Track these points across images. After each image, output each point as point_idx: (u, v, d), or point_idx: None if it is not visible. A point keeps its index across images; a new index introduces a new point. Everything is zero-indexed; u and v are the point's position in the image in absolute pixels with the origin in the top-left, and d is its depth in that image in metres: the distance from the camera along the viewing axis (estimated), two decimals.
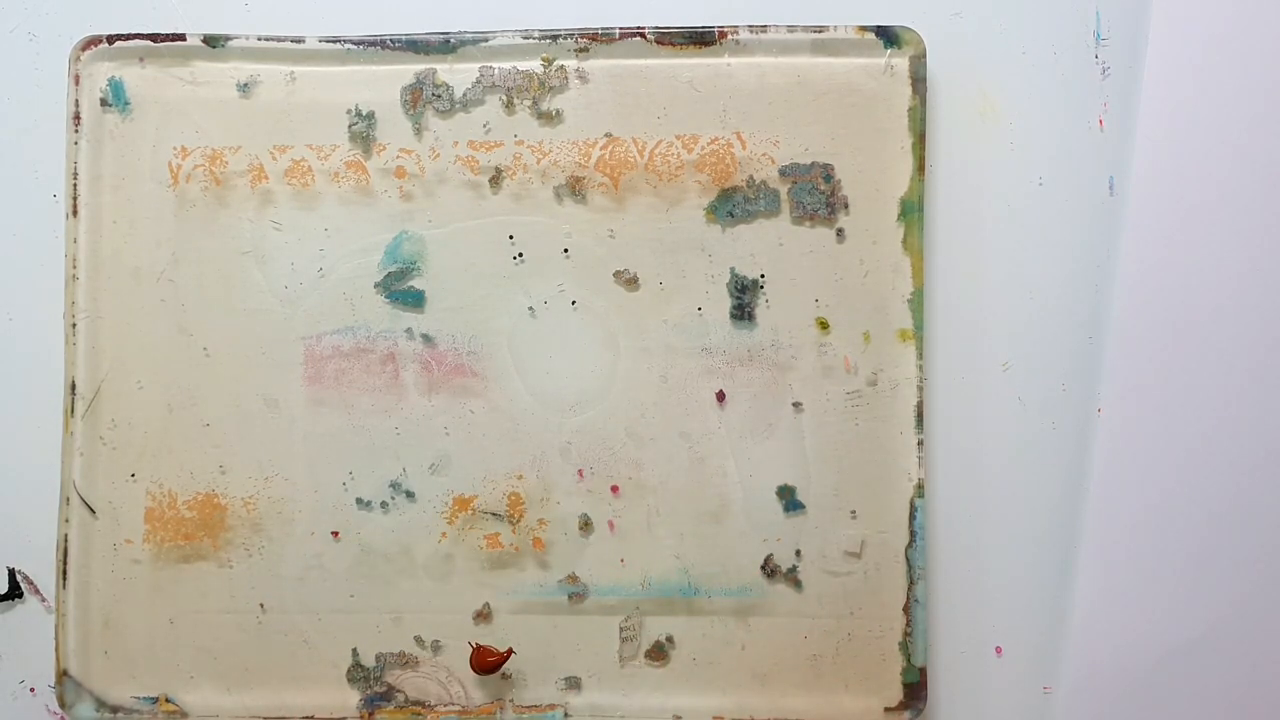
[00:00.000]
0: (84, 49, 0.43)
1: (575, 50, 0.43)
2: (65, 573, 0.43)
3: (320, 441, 0.44)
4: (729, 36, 0.43)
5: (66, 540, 0.43)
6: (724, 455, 0.43)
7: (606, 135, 0.44)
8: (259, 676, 0.44)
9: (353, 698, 0.44)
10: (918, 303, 0.43)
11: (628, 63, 0.43)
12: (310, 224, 0.44)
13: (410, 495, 0.44)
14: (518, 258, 0.44)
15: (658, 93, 0.44)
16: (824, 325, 0.43)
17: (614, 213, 0.44)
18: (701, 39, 0.43)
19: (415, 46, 0.43)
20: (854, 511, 0.43)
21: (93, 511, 0.43)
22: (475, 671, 0.43)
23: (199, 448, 0.44)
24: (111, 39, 0.43)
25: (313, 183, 0.44)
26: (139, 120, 0.44)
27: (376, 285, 0.44)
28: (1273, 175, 0.43)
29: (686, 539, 0.43)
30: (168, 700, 0.43)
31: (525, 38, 0.43)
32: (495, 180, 0.44)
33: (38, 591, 0.45)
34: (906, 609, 0.43)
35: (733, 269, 0.44)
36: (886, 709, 0.43)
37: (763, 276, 0.43)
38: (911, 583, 0.43)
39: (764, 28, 0.43)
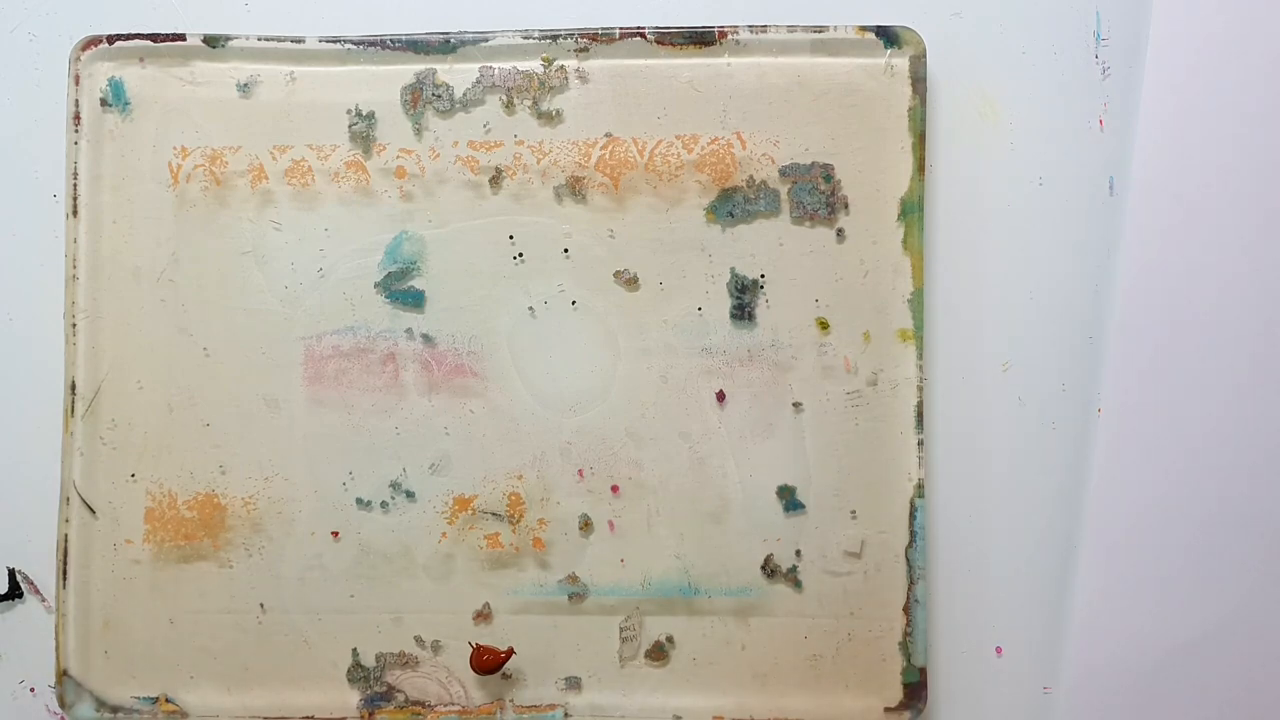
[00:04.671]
0: (84, 49, 0.43)
1: (575, 50, 0.43)
2: (65, 573, 0.43)
3: (320, 441, 0.44)
4: (729, 36, 0.43)
5: (66, 540, 0.43)
6: (724, 455, 0.43)
7: (606, 135, 0.44)
8: (259, 676, 0.44)
9: (353, 698, 0.44)
10: (918, 303, 0.43)
11: (628, 63, 0.43)
12: (310, 224, 0.44)
13: (410, 495, 0.44)
14: (518, 258, 0.44)
15: (658, 93, 0.44)
16: (824, 325, 0.43)
17: (614, 213, 0.44)
18: (701, 39, 0.43)
19: (415, 46, 0.43)
20: (854, 511, 0.43)
21: (93, 511, 0.43)
22: (475, 671, 0.43)
23: (199, 448, 0.44)
24: (111, 39, 0.43)
25: (313, 183, 0.44)
26: (139, 120, 0.44)
27: (376, 285, 0.44)
28: (1273, 175, 0.43)
29: (686, 539, 0.43)
30: (168, 700, 0.43)
31: (525, 38, 0.43)
32: (495, 180, 0.44)
33: (38, 591, 0.45)
34: (906, 609, 0.43)
35: (733, 269, 0.44)
36: (886, 709, 0.43)
37: (763, 276, 0.43)
38: (911, 583, 0.43)
39: (764, 28, 0.43)
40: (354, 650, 0.44)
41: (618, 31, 0.43)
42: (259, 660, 0.44)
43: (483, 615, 0.44)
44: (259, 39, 0.44)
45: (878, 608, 0.43)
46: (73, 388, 0.43)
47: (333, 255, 0.44)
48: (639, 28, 0.43)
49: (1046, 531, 0.44)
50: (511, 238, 0.44)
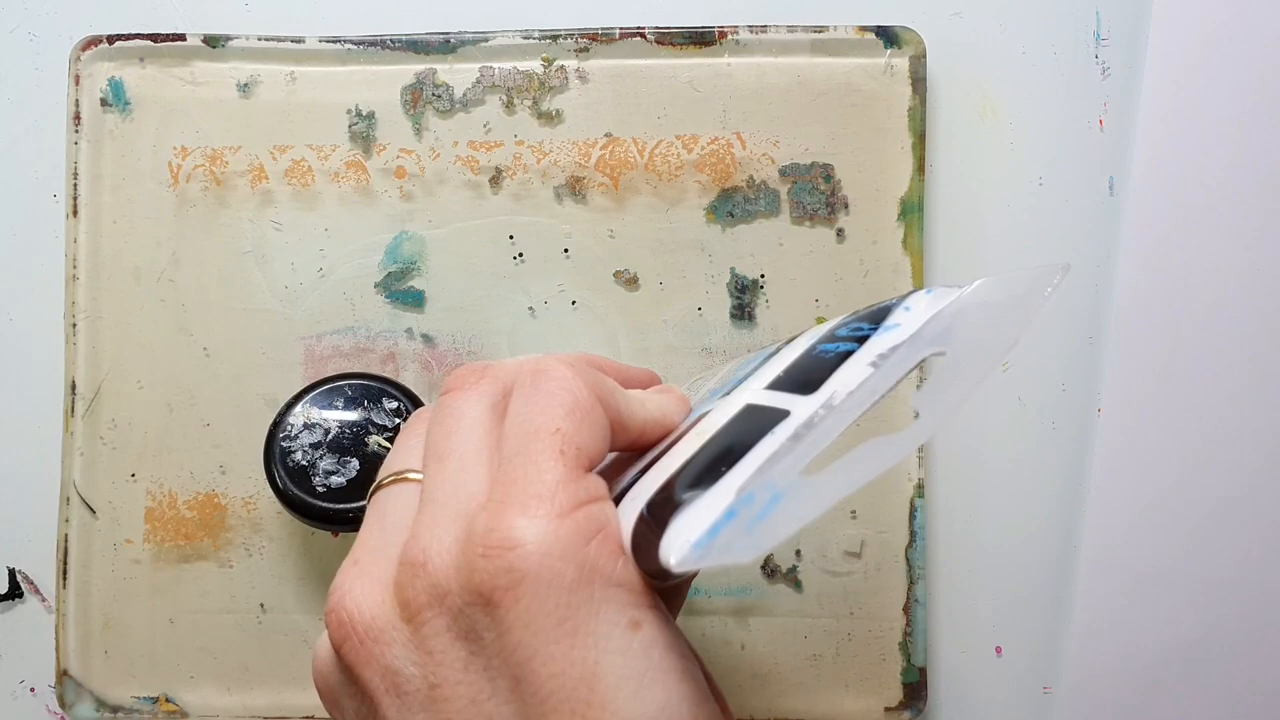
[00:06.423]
0: (84, 49, 0.43)
1: (575, 50, 0.43)
2: (65, 573, 0.43)
3: None
4: (729, 36, 0.43)
5: (66, 540, 0.43)
6: None
7: (606, 135, 0.44)
8: (259, 676, 0.44)
9: None
10: None
11: (628, 63, 0.43)
12: (310, 224, 0.44)
13: None
14: (518, 258, 0.44)
15: (658, 93, 0.44)
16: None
17: (614, 213, 0.44)
18: (701, 39, 0.43)
19: (415, 46, 0.43)
20: (854, 511, 0.43)
21: (93, 511, 0.43)
22: None
23: (199, 448, 0.44)
24: (111, 39, 0.43)
25: (313, 183, 0.44)
26: (139, 120, 0.44)
27: (376, 285, 0.44)
28: (1273, 175, 0.43)
29: None
30: (168, 700, 0.43)
31: (525, 38, 0.43)
32: (495, 180, 0.44)
33: (38, 591, 0.45)
34: (906, 609, 0.43)
35: (733, 269, 0.44)
36: (886, 709, 0.43)
37: (763, 276, 0.43)
38: (911, 583, 0.43)
39: (764, 28, 0.43)
40: None
41: (618, 31, 0.43)
42: (259, 660, 0.44)
43: None
44: (259, 39, 0.44)
45: (878, 608, 0.43)
46: (73, 388, 0.43)
47: (333, 255, 0.44)
48: (639, 28, 0.43)
49: (1046, 531, 0.44)
50: (511, 238, 0.44)
